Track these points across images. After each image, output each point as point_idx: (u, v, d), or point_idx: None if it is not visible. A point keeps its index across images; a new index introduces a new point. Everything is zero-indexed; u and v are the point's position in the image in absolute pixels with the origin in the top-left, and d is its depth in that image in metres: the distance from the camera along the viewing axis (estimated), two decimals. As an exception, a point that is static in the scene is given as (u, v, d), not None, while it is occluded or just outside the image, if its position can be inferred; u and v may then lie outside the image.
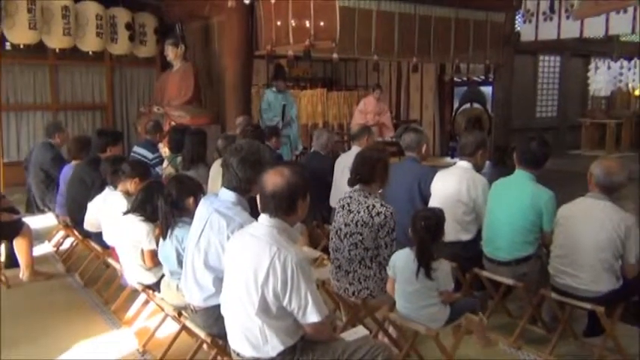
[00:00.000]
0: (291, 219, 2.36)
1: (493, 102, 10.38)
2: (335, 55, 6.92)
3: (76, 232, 4.86)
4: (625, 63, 11.03)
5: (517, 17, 8.92)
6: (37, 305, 4.17)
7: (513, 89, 9.79)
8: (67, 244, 5.36)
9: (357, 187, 3.29)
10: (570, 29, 7.36)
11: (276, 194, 2.27)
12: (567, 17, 7.41)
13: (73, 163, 5.19)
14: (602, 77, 11.04)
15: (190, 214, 3.06)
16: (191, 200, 3.22)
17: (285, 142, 7.50)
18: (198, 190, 3.34)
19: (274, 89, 7.73)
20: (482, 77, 10.62)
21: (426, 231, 2.97)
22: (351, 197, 3.24)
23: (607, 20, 6.68)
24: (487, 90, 11.03)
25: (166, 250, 3.24)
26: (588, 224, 3.27)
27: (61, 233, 5.44)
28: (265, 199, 2.31)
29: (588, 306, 3.22)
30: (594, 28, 6.97)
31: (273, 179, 2.30)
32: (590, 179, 3.29)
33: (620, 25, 6.53)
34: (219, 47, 7.91)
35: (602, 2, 3.84)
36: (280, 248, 2.24)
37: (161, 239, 3.33)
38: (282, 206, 2.28)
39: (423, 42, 7.90)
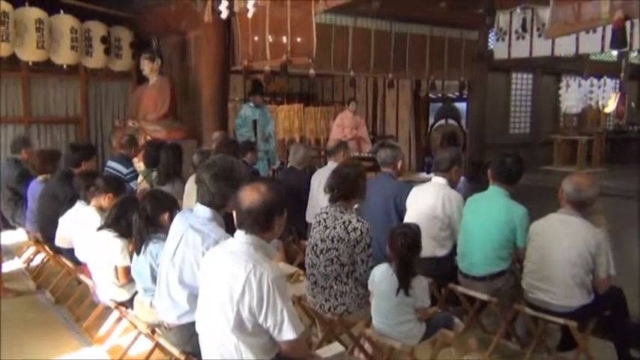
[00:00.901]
0: (267, 235, 2.36)
1: (467, 118, 10.45)
2: (312, 71, 6.97)
3: (47, 248, 4.79)
4: (595, 81, 11.14)
5: (490, 35, 9.01)
6: (6, 323, 4.09)
7: (487, 106, 9.88)
8: (38, 260, 5.28)
9: (334, 203, 3.22)
10: (542, 48, 7.46)
11: (253, 210, 2.27)
12: (539, 36, 7.58)
13: (40, 177, 5.12)
14: (573, 95, 11.15)
15: (165, 229, 3.05)
16: (166, 216, 3.21)
17: (262, 158, 7.46)
18: (173, 206, 3.32)
19: (251, 104, 7.76)
20: (457, 94, 10.63)
21: (405, 248, 2.98)
22: (327, 213, 3.25)
23: (577, 39, 6.88)
24: (462, 106, 11.10)
25: (140, 266, 3.22)
26: (560, 240, 3.29)
27: (32, 249, 5.37)
28: (241, 215, 2.30)
29: (561, 321, 3.24)
30: (565, 47, 7.16)
31: (249, 195, 2.30)
32: (561, 195, 3.32)
33: (589, 44, 6.70)
34: (196, 62, 7.91)
35: (572, 23, 3.97)
36: (256, 265, 2.23)
37: (135, 255, 3.31)
38: (259, 223, 2.28)
39: (399, 58, 7.97)
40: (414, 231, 3.05)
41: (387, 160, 4.33)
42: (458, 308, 3.86)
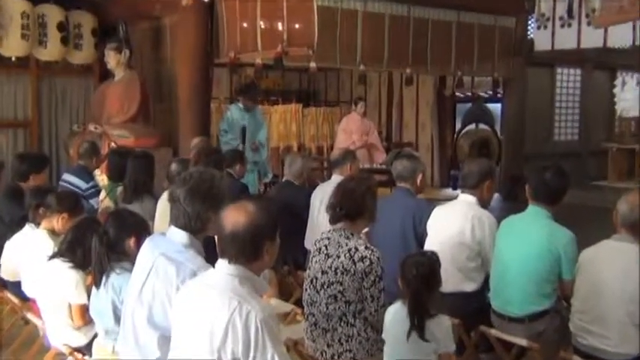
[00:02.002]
0: (256, 266, 2.34)
1: (502, 122, 10.34)
2: (313, 65, 6.92)
3: (-11, 281, 5.23)
4: (658, 78, 12.22)
5: (530, 23, 8.99)
6: None
7: (526, 107, 9.80)
8: (-23, 294, 5.85)
9: (337, 225, 3.27)
10: (592, 37, 7.33)
11: (238, 236, 2.26)
12: (588, 23, 7.55)
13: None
14: (630, 95, 11.25)
15: (131, 258, 3.03)
16: (132, 241, 3.19)
17: (251, 170, 7.40)
18: (142, 229, 3.30)
19: (240, 105, 7.77)
20: (490, 92, 10.70)
21: (419, 281, 2.95)
22: (329, 238, 3.23)
23: (634, 28, 6.85)
24: (495, 108, 11.04)
25: (100, 303, 3.19)
26: (615, 272, 3.24)
27: (-30, 281, 5.89)
28: (224, 241, 2.29)
29: (618, 372, 3.60)
30: (620, 37, 7.09)
31: (233, 217, 2.30)
32: (616, 217, 3.30)
33: (650, 33, 6.70)
34: (172, 53, 7.89)
35: (628, 9, 3.93)
36: (242, 302, 2.21)
37: (94, 289, 3.27)
38: (245, 250, 2.28)
39: (419, 49, 7.92)
40: (430, 260, 3.03)
41: (405, 173, 4.32)
42: (491, 355, 3.79)
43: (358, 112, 9.20)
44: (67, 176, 5.89)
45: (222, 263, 2.33)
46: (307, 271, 3.38)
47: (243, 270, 2.29)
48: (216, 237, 2.41)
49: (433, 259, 3.07)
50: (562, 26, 7.94)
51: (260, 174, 7.91)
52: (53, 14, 7.80)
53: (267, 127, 8.46)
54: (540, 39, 8.02)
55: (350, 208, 3.21)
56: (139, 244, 3.04)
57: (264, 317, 2.22)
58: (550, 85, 11.66)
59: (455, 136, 11.26)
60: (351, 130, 9.21)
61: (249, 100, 7.80)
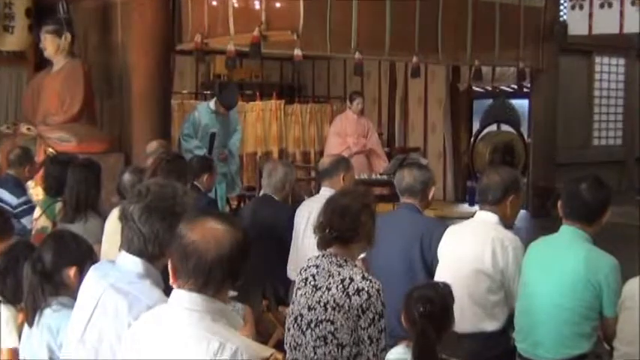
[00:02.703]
0: (223, 296, 2.34)
1: (530, 123, 10.37)
2: (297, 52, 6.93)
3: None
4: None
5: (562, 1, 8.95)
6: None
7: (559, 105, 9.84)
8: None
9: (327, 250, 3.26)
10: (637, 20, 7.26)
11: (203, 262, 2.24)
12: (632, 3, 7.53)
13: None
14: (685, 89, 11.91)
15: (72, 291, 3.00)
16: (73, 271, 3.16)
17: (219, 181, 7.44)
18: (85, 255, 3.26)
19: (212, 108, 7.91)
20: (514, 87, 10.78)
21: (426, 319, 2.96)
22: (317, 266, 3.21)
23: (688, 9, 6.84)
24: (521, 105, 11.13)
25: (33, 346, 3.15)
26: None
27: None
28: (186, 267, 2.26)
29: None
30: (671, 20, 7.12)
31: (197, 238, 2.28)
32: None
33: None
34: (124, 38, 7.86)
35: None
36: (224, 342, 2.19)
37: (25, 328, 3.25)
38: (215, 278, 2.26)
39: (427, 34, 7.92)
40: (441, 293, 3.04)
41: (411, 185, 4.35)
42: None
43: (354, 111, 9.21)
44: (-7, 189, 6.60)
45: (183, 295, 2.29)
46: (290, 306, 3.36)
47: (212, 302, 2.27)
48: (169, 261, 2.42)
49: (445, 293, 3.06)
50: (601, 6, 7.87)
51: (228, 187, 7.97)
52: (-23, -11, 8.63)
53: (241, 132, 8.44)
54: (575, 22, 8.01)
55: (343, 229, 3.20)
56: (81, 274, 2.98)
57: (255, 355, 2.26)
58: (587, 78, 11.58)
59: (472, 139, 11.26)
60: (344, 133, 9.24)
61: (225, 104, 7.93)
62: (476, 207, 4.31)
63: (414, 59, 8.00)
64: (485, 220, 3.99)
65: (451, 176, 11.33)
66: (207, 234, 2.29)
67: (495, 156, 10.62)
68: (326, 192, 4.85)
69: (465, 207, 10.20)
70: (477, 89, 11.56)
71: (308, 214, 4.89)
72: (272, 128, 11.23)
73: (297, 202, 5.51)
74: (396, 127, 12.19)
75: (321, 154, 10.45)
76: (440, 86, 11.35)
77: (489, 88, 11.18)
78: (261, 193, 5.65)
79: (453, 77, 11.25)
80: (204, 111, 7.91)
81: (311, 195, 6.30)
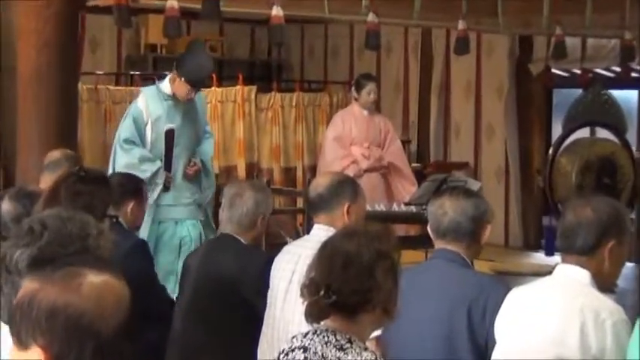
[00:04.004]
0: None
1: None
2: (277, 12, 6.87)
3: None
4: None
5: None
6: None
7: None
8: None
9: (322, 324, 3.15)
10: None
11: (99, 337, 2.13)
12: None
13: None
14: None
15: None
16: None
17: (189, 215, 7.27)
18: None
19: (166, 89, 7.51)
20: (617, 70, 10.81)
21: None
22: (306, 349, 3.16)
23: None
24: (628, 98, 11.17)
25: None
26: None
27: None
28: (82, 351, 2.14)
29: None
30: None
31: (106, 303, 2.19)
32: None
33: None
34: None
35: None
36: None
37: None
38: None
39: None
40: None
41: (455, 223, 4.21)
42: None
43: (364, 104, 9.12)
44: None
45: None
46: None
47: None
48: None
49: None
50: None
51: (204, 221, 7.66)
52: None
53: (213, 135, 7.99)
54: None
55: (347, 292, 3.09)
56: None
57: None
58: None
59: (551, 151, 10.65)
60: (349, 139, 9.17)
61: (192, 78, 7.41)
62: (556, 258, 4.27)
63: (460, 25, 7.77)
64: (570, 278, 3.81)
65: (517, 208, 10.97)
66: (110, 298, 2.22)
67: (587, 177, 9.87)
68: (320, 232, 4.68)
69: (539, 257, 9.79)
70: (559, 73, 11.23)
71: (292, 266, 4.64)
72: (236, 130, 10.81)
73: (275, 247, 5.27)
74: (431, 130, 11.63)
75: (313, 171, 10.41)
76: (500, 68, 11.04)
77: (578, 72, 10.84)
78: (219, 232, 5.42)
79: (520, 55, 10.95)
80: (153, 98, 7.40)
81: (297, 236, 6.06)
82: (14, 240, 2.79)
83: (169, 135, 7.27)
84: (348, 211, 4.84)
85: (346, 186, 5.01)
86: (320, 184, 5.24)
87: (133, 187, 5.70)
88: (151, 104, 7.49)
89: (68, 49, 7.35)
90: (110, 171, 7.27)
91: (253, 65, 12.44)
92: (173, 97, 7.53)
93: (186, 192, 7.36)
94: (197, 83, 7.67)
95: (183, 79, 7.56)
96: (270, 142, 10.78)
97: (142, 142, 7.46)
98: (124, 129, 7.49)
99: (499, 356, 3.85)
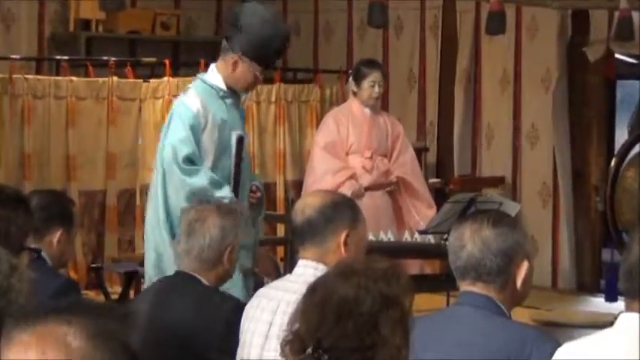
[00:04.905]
0: None
1: None
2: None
3: None
4: None
5: None
6: None
7: None
8: None
9: None
10: None
11: None
12: None
13: None
14: None
15: None
16: None
17: (245, 248, 6.30)
18: None
19: (216, 83, 7.13)
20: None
21: None
22: None
23: None
24: None
25: None
26: None
27: None
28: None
29: None
30: None
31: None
32: None
33: None
34: None
35: None
36: None
37: None
38: None
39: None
40: None
41: (475, 260, 4.32)
42: None
43: (365, 100, 9.09)
44: None
45: None
46: None
47: None
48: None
49: None
50: None
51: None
52: None
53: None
54: None
55: (343, 350, 3.14)
56: None
57: None
58: None
59: (614, 162, 11.15)
60: (345, 145, 9.15)
61: (265, 56, 7.02)
62: (619, 304, 4.21)
63: None
64: (637, 332, 3.91)
65: (568, 239, 10.86)
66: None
67: None
68: (307, 270, 4.69)
69: (598, 303, 9.73)
70: (624, 59, 10.99)
71: (269, 317, 4.55)
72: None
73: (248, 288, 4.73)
74: (455, 135, 11.61)
75: (298, 189, 10.52)
76: (547, 53, 10.92)
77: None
78: (175, 270, 5.19)
79: (573, 35, 10.89)
80: (210, 96, 7.01)
81: (278, 275, 5.99)
82: None
83: (240, 146, 6.89)
84: (344, 243, 4.75)
85: (343, 209, 4.93)
86: (308, 205, 5.11)
87: (59, 210, 5.52)
88: (210, 105, 6.99)
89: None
90: (160, 202, 7.02)
91: (219, 48, 12.53)
92: (229, 92, 7.11)
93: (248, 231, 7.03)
94: (272, 58, 7.21)
95: (250, 58, 7.04)
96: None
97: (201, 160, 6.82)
98: (182, 143, 6.93)
99: None
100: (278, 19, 7.25)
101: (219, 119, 7.02)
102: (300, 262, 4.89)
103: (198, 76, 7.30)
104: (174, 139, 6.94)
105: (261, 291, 5.05)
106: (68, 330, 2.30)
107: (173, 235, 5.81)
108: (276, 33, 7.15)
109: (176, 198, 6.91)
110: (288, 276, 5.01)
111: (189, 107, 6.97)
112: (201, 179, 6.97)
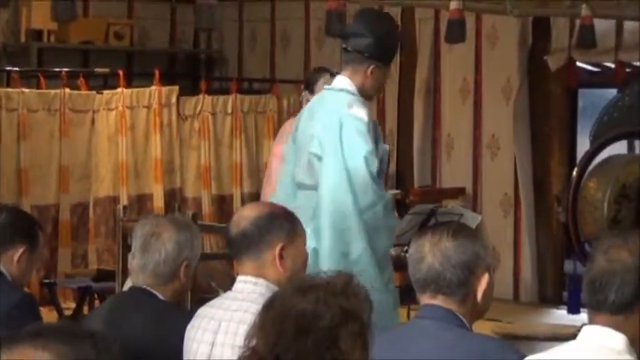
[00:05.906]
0: None
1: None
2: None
3: None
4: None
5: None
6: None
7: None
8: None
9: None
10: None
11: None
12: None
13: None
14: None
15: None
16: None
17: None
18: None
19: (353, 90, 6.77)
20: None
21: None
22: None
23: None
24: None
25: None
26: None
27: None
28: None
29: None
30: None
31: None
32: None
33: None
34: None
35: None
36: None
37: None
38: None
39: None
40: None
41: (435, 273, 4.32)
42: None
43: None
44: None
45: None
46: None
47: None
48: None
49: None
50: None
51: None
52: None
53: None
54: None
55: None
56: None
57: None
58: None
59: (575, 172, 11.13)
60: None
61: (392, 60, 6.83)
62: (582, 316, 4.19)
63: (453, 4, 7.90)
64: (600, 344, 3.85)
65: (530, 250, 10.88)
66: None
67: (624, 208, 10.07)
68: (247, 285, 4.70)
69: (560, 315, 9.79)
70: (586, 68, 11.09)
71: (211, 337, 4.58)
72: (150, 145, 10.96)
73: (205, 303, 4.97)
74: (414, 145, 11.52)
75: (256, 199, 10.42)
76: (507, 61, 11.01)
77: (611, 66, 10.90)
78: (128, 284, 5.24)
79: (534, 43, 10.93)
80: (364, 105, 6.63)
81: (226, 289, 5.98)
82: None
83: (388, 160, 6.41)
84: (280, 255, 4.73)
85: (280, 221, 4.87)
86: (244, 217, 5.14)
87: (25, 227, 5.53)
88: (369, 115, 6.41)
89: None
90: (355, 228, 6.60)
91: (174, 58, 12.26)
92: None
93: None
94: (394, 56, 6.84)
95: (384, 62, 6.96)
96: (198, 162, 10.55)
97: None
98: (372, 161, 6.82)
99: None
100: (391, 17, 7.39)
101: (377, 132, 7.14)
102: (239, 278, 4.93)
103: (336, 87, 7.26)
104: (363, 147, 7.01)
105: (200, 311, 5.05)
106: (42, 355, 2.31)
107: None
108: (397, 32, 7.13)
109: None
110: (227, 293, 5.07)
111: (362, 118, 7.02)
112: (387, 201, 7.06)
